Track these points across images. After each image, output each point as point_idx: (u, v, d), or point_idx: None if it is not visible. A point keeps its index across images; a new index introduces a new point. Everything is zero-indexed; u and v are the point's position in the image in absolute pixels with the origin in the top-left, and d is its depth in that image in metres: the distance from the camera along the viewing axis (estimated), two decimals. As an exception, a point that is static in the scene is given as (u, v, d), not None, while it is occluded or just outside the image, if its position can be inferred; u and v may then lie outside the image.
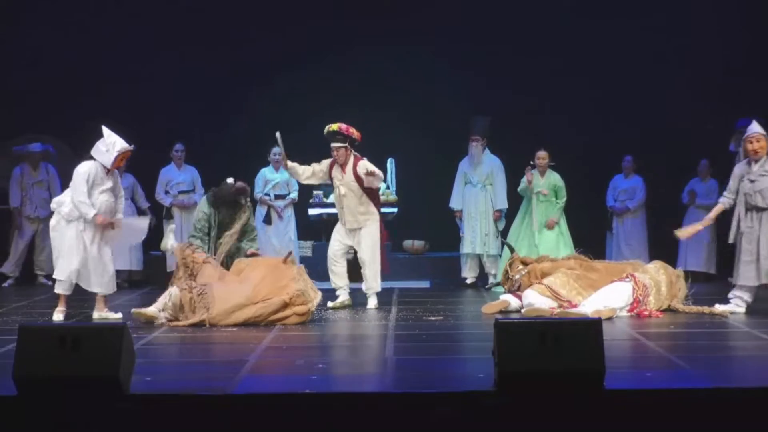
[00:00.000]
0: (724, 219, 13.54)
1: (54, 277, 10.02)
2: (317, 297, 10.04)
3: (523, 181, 12.68)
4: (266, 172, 13.57)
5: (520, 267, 10.99)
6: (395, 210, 14.08)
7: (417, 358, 7.99)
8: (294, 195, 13.53)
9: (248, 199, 11.40)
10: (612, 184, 14.24)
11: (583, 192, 14.19)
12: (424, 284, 13.44)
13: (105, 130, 10.04)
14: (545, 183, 12.67)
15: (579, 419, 6.19)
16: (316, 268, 11.50)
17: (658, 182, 14.09)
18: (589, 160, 14.35)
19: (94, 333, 6.29)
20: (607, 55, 14.45)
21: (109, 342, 6.20)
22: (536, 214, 12.59)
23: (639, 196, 14.03)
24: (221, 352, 8.60)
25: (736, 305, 10.28)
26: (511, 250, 11.52)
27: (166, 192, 13.74)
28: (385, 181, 14.14)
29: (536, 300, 10.25)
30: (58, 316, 10.06)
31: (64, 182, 13.48)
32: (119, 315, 10.18)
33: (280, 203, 13.42)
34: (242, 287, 9.84)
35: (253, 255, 11.01)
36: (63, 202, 9.99)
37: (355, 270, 12.37)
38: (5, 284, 13.72)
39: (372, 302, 10.99)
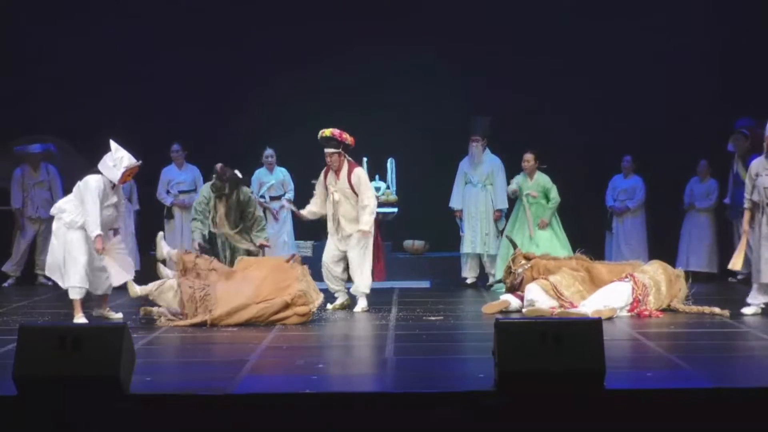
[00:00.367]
0: (725, 218, 13.63)
1: (67, 285, 9.89)
2: (319, 298, 10.04)
3: (514, 182, 12.71)
4: (261, 174, 13.57)
5: (523, 262, 10.98)
6: (395, 210, 14.07)
7: (417, 358, 7.99)
8: (290, 195, 13.53)
9: (247, 191, 11.34)
10: (611, 184, 14.24)
11: (583, 192, 14.20)
12: (424, 284, 13.44)
13: (113, 144, 10.00)
14: (534, 185, 12.63)
15: (579, 419, 6.19)
16: (317, 268, 11.48)
17: (657, 182, 14.09)
18: (589, 160, 14.34)
19: (95, 333, 6.30)
20: (607, 55, 14.43)
21: (110, 342, 6.21)
22: (529, 216, 12.56)
23: (639, 196, 14.03)
24: (221, 352, 8.60)
25: (759, 307, 10.21)
26: (514, 245, 11.52)
27: (168, 192, 13.75)
28: (385, 180, 14.18)
29: (538, 297, 10.24)
30: (82, 320, 9.86)
31: (66, 182, 13.52)
32: (120, 315, 10.15)
33: (275, 205, 13.41)
34: (244, 287, 9.84)
35: (263, 247, 11.07)
36: (65, 210, 9.92)
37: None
38: (6, 284, 13.72)
39: (361, 305, 10.89)
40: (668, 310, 10.47)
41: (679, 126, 14.21)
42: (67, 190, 13.53)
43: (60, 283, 10.02)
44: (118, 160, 9.91)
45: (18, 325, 6.50)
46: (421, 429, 6.22)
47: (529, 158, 12.67)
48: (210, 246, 11.15)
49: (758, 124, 10.48)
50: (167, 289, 9.85)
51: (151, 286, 9.96)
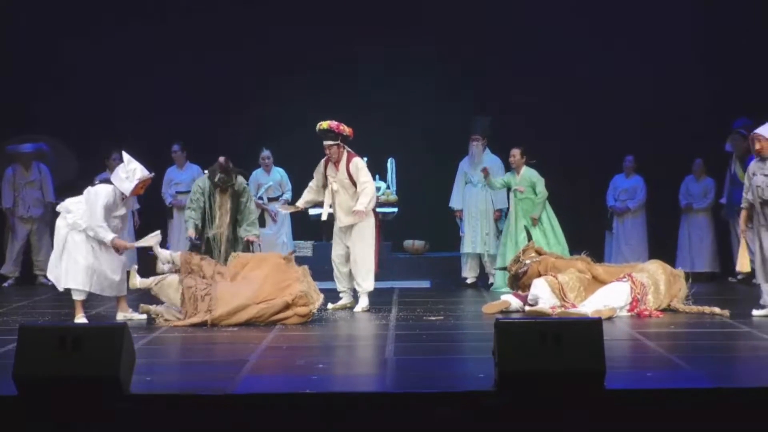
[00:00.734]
0: (721, 217, 13.64)
1: (70, 287, 9.88)
2: (319, 299, 10.03)
3: (502, 178, 12.72)
4: (258, 175, 13.57)
5: (533, 255, 10.98)
6: (395, 210, 14.08)
7: (417, 358, 7.99)
8: (287, 196, 13.53)
9: (243, 182, 11.35)
10: (613, 183, 14.24)
11: (584, 192, 14.22)
12: (425, 284, 13.44)
13: (125, 156, 10.01)
14: (521, 180, 12.62)
15: (579, 419, 6.19)
16: (317, 268, 11.47)
17: (658, 182, 14.10)
18: (590, 160, 14.35)
19: (95, 333, 6.30)
20: (607, 54, 14.44)
21: (110, 342, 6.21)
22: (518, 212, 12.55)
23: (639, 196, 14.03)
24: (222, 352, 8.60)
25: None
26: (529, 237, 11.52)
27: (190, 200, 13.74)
28: (385, 180, 14.18)
29: (543, 294, 10.24)
30: (82, 320, 9.85)
31: (58, 180, 13.56)
32: (144, 316, 10.10)
33: (273, 206, 13.42)
34: (245, 288, 9.84)
35: (250, 242, 11.06)
36: (70, 210, 9.89)
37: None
38: (5, 284, 13.72)
39: (362, 303, 10.89)
40: (668, 310, 10.47)
41: (679, 126, 14.21)
42: (58, 189, 13.65)
43: (57, 285, 10.00)
44: (131, 172, 9.92)
45: (18, 325, 6.50)
46: (422, 429, 6.22)
47: (515, 153, 12.64)
48: (200, 242, 11.14)
49: (756, 124, 10.48)
50: (169, 284, 9.85)
51: (152, 280, 9.96)
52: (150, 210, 13.94)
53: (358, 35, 14.56)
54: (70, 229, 9.83)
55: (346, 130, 10.93)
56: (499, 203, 13.26)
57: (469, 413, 6.22)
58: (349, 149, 11.04)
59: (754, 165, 10.22)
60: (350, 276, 11.05)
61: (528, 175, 12.58)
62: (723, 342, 8.88)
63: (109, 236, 9.76)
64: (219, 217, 11.16)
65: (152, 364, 7.64)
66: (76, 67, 14.39)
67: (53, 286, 10.30)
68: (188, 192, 13.56)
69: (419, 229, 14.48)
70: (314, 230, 14.03)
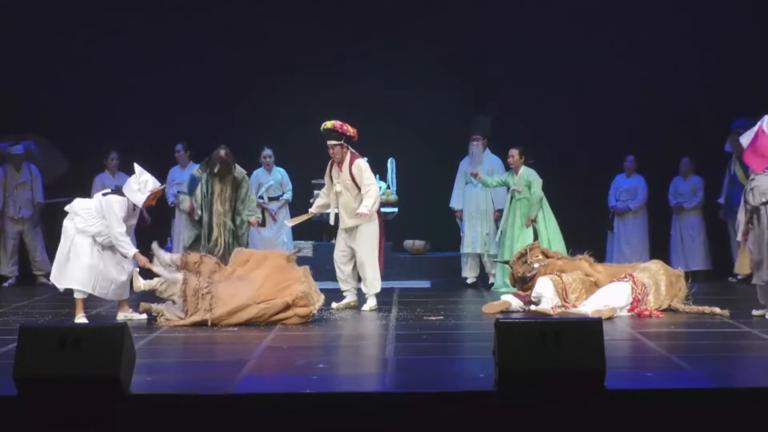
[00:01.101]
0: (719, 217, 13.66)
1: (72, 287, 9.88)
2: (320, 300, 10.03)
3: (501, 176, 12.71)
4: (259, 175, 13.56)
5: (540, 257, 10.94)
6: (396, 210, 14.08)
7: (417, 358, 7.99)
8: (288, 196, 13.53)
9: (242, 172, 11.37)
10: (614, 183, 14.25)
11: (585, 192, 14.22)
12: (425, 284, 13.44)
13: (137, 167, 10.06)
14: (519, 180, 12.61)
15: (579, 419, 6.19)
16: (317, 268, 11.48)
17: (658, 182, 14.10)
18: (591, 160, 14.35)
19: (95, 333, 6.30)
20: (607, 54, 14.45)
21: (110, 342, 6.21)
22: (515, 212, 12.56)
23: (640, 196, 14.04)
24: (222, 352, 8.61)
25: None
26: (536, 236, 11.51)
27: (179, 191, 13.77)
28: (385, 180, 14.18)
29: (546, 292, 10.24)
30: (82, 320, 9.85)
31: (45, 179, 13.58)
32: (144, 316, 10.12)
33: (273, 206, 13.42)
34: (246, 287, 9.84)
35: (255, 222, 11.22)
36: (78, 214, 9.89)
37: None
38: (5, 284, 13.72)
39: (370, 303, 10.91)
40: (668, 310, 10.48)
41: (679, 126, 14.22)
42: (47, 187, 13.66)
43: (57, 285, 10.00)
44: (143, 183, 9.97)
45: (18, 325, 6.50)
46: (422, 429, 6.22)
47: (514, 153, 12.63)
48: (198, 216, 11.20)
49: (755, 125, 10.49)
50: (173, 284, 9.85)
51: (156, 282, 9.95)
52: (150, 210, 13.91)
53: (358, 35, 14.56)
54: (77, 232, 9.85)
55: (350, 130, 10.92)
56: (499, 203, 13.25)
57: (470, 413, 6.22)
58: (353, 150, 11.04)
59: None
60: (353, 275, 11.06)
61: (526, 175, 12.57)
62: (723, 342, 8.88)
63: (131, 251, 9.86)
64: (219, 204, 11.18)
65: (153, 364, 7.65)
66: (77, 67, 14.40)
67: (53, 287, 10.30)
68: (190, 192, 13.64)
69: (419, 229, 14.48)
70: (314, 230, 14.04)
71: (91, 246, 9.83)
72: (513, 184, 12.61)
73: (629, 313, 10.16)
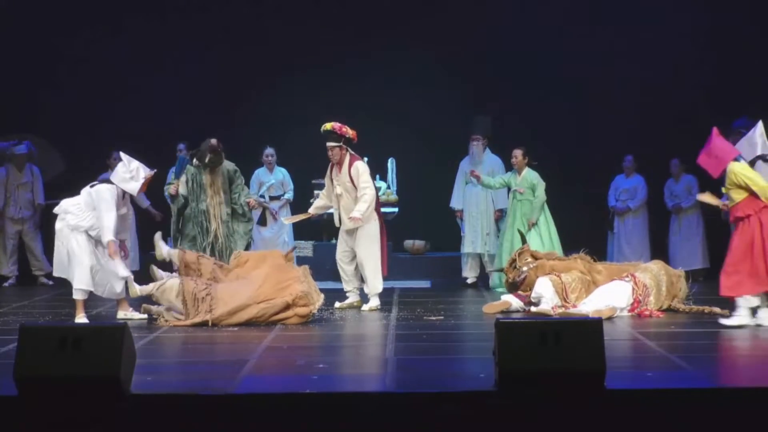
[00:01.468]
0: (715, 214, 13.65)
1: (75, 286, 9.87)
2: (320, 299, 10.04)
3: (503, 177, 12.70)
4: (261, 174, 13.57)
5: (529, 260, 10.95)
6: (396, 210, 14.08)
7: (418, 358, 7.99)
8: (289, 195, 13.53)
9: (231, 164, 11.37)
10: (613, 184, 14.25)
11: (585, 192, 14.22)
12: (425, 284, 13.44)
13: (124, 156, 10.04)
14: (522, 182, 12.60)
15: (580, 419, 6.19)
16: (317, 268, 11.49)
17: (658, 182, 14.10)
18: (590, 160, 14.35)
19: (95, 333, 6.30)
20: (607, 54, 14.45)
21: (110, 342, 6.21)
22: (516, 213, 12.56)
23: (640, 196, 14.04)
24: (222, 352, 8.61)
25: None
26: (523, 239, 11.51)
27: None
28: (385, 180, 14.19)
29: (546, 293, 10.25)
30: (83, 320, 9.84)
31: (44, 178, 13.57)
32: (144, 315, 10.12)
33: (274, 205, 13.42)
34: (246, 287, 9.84)
35: (250, 205, 11.23)
36: (69, 212, 9.90)
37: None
38: (6, 284, 13.72)
39: (372, 303, 10.94)
40: (669, 310, 10.48)
41: (679, 126, 14.22)
42: (47, 186, 13.64)
43: (72, 281, 10.01)
44: (134, 171, 9.95)
45: (18, 325, 6.50)
46: (422, 429, 6.22)
47: (517, 154, 12.61)
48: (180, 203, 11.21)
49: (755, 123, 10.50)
50: (169, 288, 9.85)
51: (152, 286, 9.96)
52: (156, 207, 13.94)
53: (358, 35, 14.56)
54: (72, 230, 9.84)
55: (349, 132, 10.94)
56: (499, 203, 13.25)
57: (470, 413, 6.22)
58: (353, 152, 11.05)
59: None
60: (355, 274, 11.07)
61: (529, 176, 12.56)
62: (723, 342, 8.88)
63: (108, 236, 9.75)
64: (211, 196, 11.17)
65: (153, 363, 7.65)
66: (77, 67, 14.41)
67: (53, 286, 10.32)
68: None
69: (420, 229, 14.49)
70: (315, 230, 14.05)
71: (87, 244, 9.82)
72: (515, 185, 12.60)
73: (629, 314, 10.16)
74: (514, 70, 14.50)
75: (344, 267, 11.09)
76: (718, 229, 13.68)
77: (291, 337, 9.07)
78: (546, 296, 10.26)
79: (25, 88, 14.31)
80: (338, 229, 11.21)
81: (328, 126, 10.92)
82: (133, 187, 9.96)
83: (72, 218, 9.85)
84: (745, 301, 9.30)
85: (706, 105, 14.10)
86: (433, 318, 10.19)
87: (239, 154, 12.69)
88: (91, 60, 14.46)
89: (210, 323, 9.61)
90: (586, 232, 13.19)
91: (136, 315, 10.11)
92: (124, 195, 10.00)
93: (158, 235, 10.49)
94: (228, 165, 11.28)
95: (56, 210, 10.06)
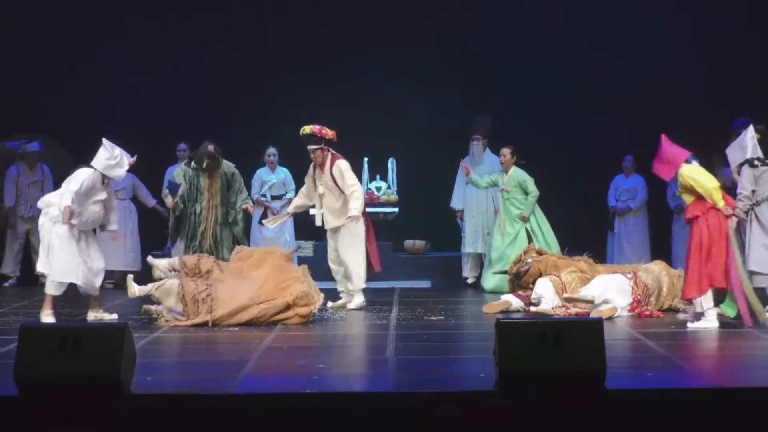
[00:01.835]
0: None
1: (51, 278, 9.89)
2: (320, 299, 10.06)
3: (490, 177, 12.70)
4: (262, 174, 13.56)
5: (534, 255, 11.01)
6: (396, 210, 14.08)
7: (418, 358, 8.00)
8: (291, 195, 13.52)
9: (231, 166, 11.37)
10: (613, 184, 14.24)
11: (585, 192, 14.21)
12: (425, 284, 13.43)
13: (107, 142, 10.04)
14: (509, 180, 12.61)
15: (580, 419, 6.19)
16: (317, 268, 11.49)
17: (659, 182, 14.08)
18: (591, 160, 14.35)
19: (95, 333, 6.30)
20: (607, 54, 14.44)
21: (110, 342, 6.21)
22: (504, 212, 12.57)
23: (640, 196, 14.03)
24: (222, 352, 8.61)
25: None
26: (530, 238, 11.52)
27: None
28: (386, 180, 14.19)
29: (546, 293, 10.28)
30: (49, 319, 9.89)
31: (55, 177, 13.56)
32: (114, 316, 10.15)
33: (276, 204, 13.41)
34: (246, 288, 9.84)
35: (247, 211, 11.27)
36: (52, 204, 9.92)
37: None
38: (6, 284, 13.72)
39: (357, 301, 10.96)
40: (669, 310, 10.48)
41: (679, 126, 14.20)
42: (56, 186, 13.61)
43: (45, 273, 10.01)
44: (118, 157, 9.98)
45: (19, 325, 6.50)
46: (423, 429, 6.22)
47: (506, 153, 12.63)
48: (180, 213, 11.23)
49: (757, 131, 10.53)
50: (169, 288, 9.85)
51: (151, 287, 9.96)
52: (150, 210, 13.93)
53: (358, 35, 14.56)
54: (54, 222, 9.84)
55: (329, 133, 11.04)
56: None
57: (470, 413, 6.22)
58: (334, 152, 11.13)
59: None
60: (345, 276, 11.11)
61: (516, 175, 12.57)
62: (723, 342, 8.88)
63: (66, 203, 9.73)
64: (207, 199, 11.20)
65: (153, 364, 7.65)
66: (77, 67, 14.40)
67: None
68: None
69: (420, 228, 14.49)
70: (315, 230, 14.02)
71: (68, 236, 9.82)
72: (502, 184, 12.61)
73: (629, 314, 10.16)
74: (514, 70, 14.50)
75: (335, 268, 11.15)
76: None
77: (291, 337, 9.07)
78: (546, 296, 10.28)
79: (25, 88, 14.30)
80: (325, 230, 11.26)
81: (307, 129, 11.02)
82: (119, 173, 10.00)
83: (54, 210, 9.87)
84: (706, 302, 9.39)
85: (706, 105, 14.11)
86: (434, 318, 10.19)
87: (239, 154, 12.70)
88: (91, 60, 14.45)
89: (210, 324, 9.61)
90: (585, 232, 13.18)
91: (107, 316, 10.12)
92: (104, 180, 10.00)
93: (150, 258, 10.50)
94: (226, 167, 11.30)
95: (39, 204, 10.08)
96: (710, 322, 9.36)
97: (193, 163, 11.28)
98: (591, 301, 10.05)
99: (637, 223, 14.12)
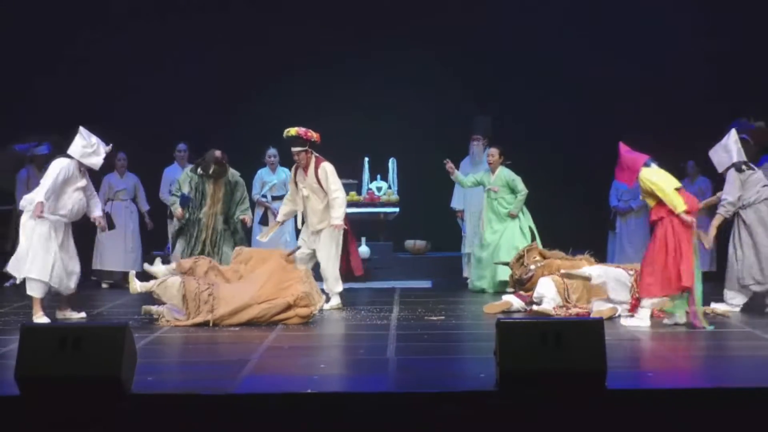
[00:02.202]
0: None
1: (25, 275, 9.85)
2: (321, 300, 10.07)
3: (475, 176, 12.70)
4: (263, 174, 13.57)
5: (537, 258, 11.00)
6: (397, 210, 14.09)
7: (419, 358, 8.00)
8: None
9: (236, 174, 11.37)
10: (614, 183, 14.22)
11: (585, 191, 14.22)
12: (426, 284, 13.44)
13: (83, 130, 10.06)
14: (495, 180, 12.61)
15: (580, 419, 6.20)
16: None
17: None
18: (591, 160, 14.35)
19: (96, 333, 6.30)
20: (607, 54, 14.46)
21: (111, 342, 6.21)
22: (486, 211, 12.58)
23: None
24: (223, 351, 8.61)
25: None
26: (533, 237, 11.53)
27: (171, 192, 13.71)
28: (386, 180, 14.20)
29: (548, 293, 10.28)
30: (42, 320, 9.84)
31: None
32: (83, 314, 10.16)
33: (276, 205, 13.42)
34: (247, 288, 9.85)
35: (245, 222, 11.31)
36: (33, 201, 9.94)
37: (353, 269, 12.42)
38: (7, 284, 13.72)
39: (334, 302, 10.97)
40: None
41: (681, 126, 14.23)
42: None
43: (16, 276, 10.01)
44: (95, 146, 10.02)
45: (19, 325, 6.51)
46: (423, 429, 6.23)
47: (494, 153, 12.63)
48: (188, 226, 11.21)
49: (756, 128, 10.55)
50: (171, 285, 9.85)
51: (153, 284, 9.97)
52: (150, 210, 13.93)
53: (358, 35, 14.57)
54: (36, 223, 9.82)
55: (313, 136, 11.09)
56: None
57: (471, 413, 6.22)
58: (317, 154, 11.14)
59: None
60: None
61: (504, 174, 12.57)
62: (723, 342, 8.89)
63: (40, 197, 9.75)
64: (210, 206, 11.21)
65: (154, 363, 7.65)
66: (77, 67, 14.41)
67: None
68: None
69: (420, 229, 14.50)
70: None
71: (49, 234, 9.81)
72: (489, 184, 12.61)
73: (629, 313, 10.16)
74: (515, 70, 14.51)
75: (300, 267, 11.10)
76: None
77: (292, 337, 9.08)
78: (548, 296, 10.28)
79: (25, 88, 14.31)
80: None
81: (292, 131, 11.06)
82: (96, 161, 10.01)
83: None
84: (650, 303, 9.45)
85: (706, 105, 14.11)
86: (434, 318, 10.19)
87: (239, 154, 12.71)
88: (91, 60, 14.46)
89: (211, 323, 9.62)
90: (586, 232, 13.19)
91: (75, 315, 10.11)
92: (81, 168, 10.00)
93: (146, 266, 10.50)
94: (231, 175, 11.32)
95: (22, 203, 10.07)
96: (644, 321, 9.45)
97: (199, 170, 11.29)
98: (588, 278, 10.08)
99: (638, 223, 14.12)
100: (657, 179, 9.48)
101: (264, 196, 13.40)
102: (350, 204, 13.89)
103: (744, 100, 13.17)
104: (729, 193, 10.31)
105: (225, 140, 14.17)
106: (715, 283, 13.32)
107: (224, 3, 14.93)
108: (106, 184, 13.53)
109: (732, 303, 10.42)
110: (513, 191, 12.54)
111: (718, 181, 13.63)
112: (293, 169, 11.32)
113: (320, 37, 14.62)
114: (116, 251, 13.45)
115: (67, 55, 14.48)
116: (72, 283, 10.00)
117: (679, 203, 9.34)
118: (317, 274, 10.96)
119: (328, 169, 11.10)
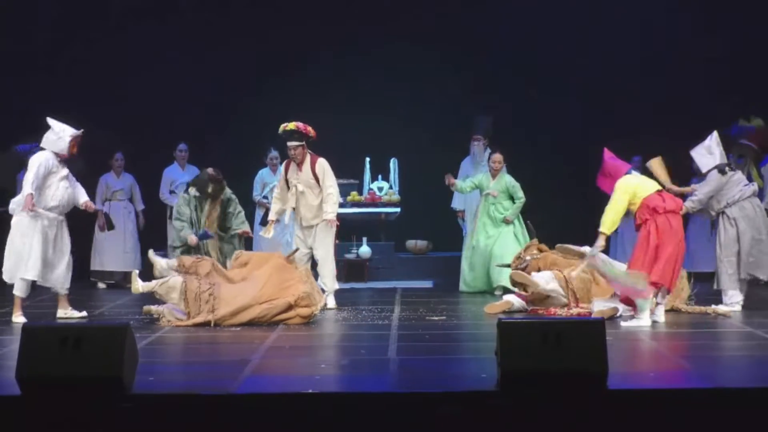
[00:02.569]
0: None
1: (22, 277, 9.86)
2: (322, 300, 10.07)
3: (474, 179, 12.70)
4: (264, 175, 13.56)
5: (535, 252, 11.03)
6: (398, 210, 14.10)
7: (420, 358, 8.00)
8: (292, 197, 13.52)
9: (229, 190, 11.36)
10: (614, 183, 14.23)
11: (585, 191, 14.20)
12: (427, 284, 13.45)
13: (51, 120, 10.08)
14: (495, 185, 12.57)
15: (581, 419, 6.20)
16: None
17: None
18: (594, 160, 14.33)
19: (97, 333, 6.30)
20: (607, 54, 14.46)
21: (112, 342, 6.21)
22: (481, 215, 12.57)
23: (643, 196, 14.02)
24: (224, 351, 8.61)
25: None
26: (531, 234, 11.54)
27: (171, 192, 13.72)
28: (387, 181, 14.20)
29: (550, 282, 10.28)
30: (20, 319, 9.79)
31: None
32: (84, 313, 10.14)
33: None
34: (248, 288, 9.85)
35: (245, 233, 11.28)
36: (21, 203, 9.94)
37: (354, 269, 12.40)
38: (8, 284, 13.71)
39: (330, 302, 10.94)
40: (671, 310, 10.47)
41: (683, 126, 14.21)
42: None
43: (5, 278, 10.00)
44: (61, 132, 10.03)
45: (20, 324, 6.50)
46: (424, 429, 6.23)
47: (500, 159, 12.58)
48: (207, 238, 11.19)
49: (757, 130, 10.58)
50: (172, 285, 9.85)
51: (154, 283, 9.96)
52: (151, 210, 13.93)
53: (360, 36, 14.57)
54: (27, 219, 9.82)
55: (311, 131, 11.10)
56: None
57: (472, 413, 6.22)
58: (311, 151, 11.12)
59: None
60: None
61: (506, 180, 12.53)
62: (724, 342, 8.89)
63: (27, 190, 9.79)
64: (207, 225, 11.17)
65: (155, 363, 7.65)
66: (77, 67, 14.40)
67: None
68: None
69: (422, 229, 14.50)
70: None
71: (38, 232, 9.81)
72: (487, 188, 12.58)
73: (630, 313, 10.16)
74: (515, 69, 14.51)
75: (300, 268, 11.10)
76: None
77: (293, 337, 9.08)
78: (549, 283, 10.29)
79: (25, 88, 14.30)
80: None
81: (291, 125, 11.05)
82: (61, 146, 9.99)
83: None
84: (644, 302, 9.47)
85: (706, 105, 14.11)
86: (435, 318, 10.19)
87: (239, 154, 12.74)
88: (91, 60, 14.46)
89: (212, 323, 9.62)
90: (586, 232, 13.15)
91: (76, 314, 10.11)
92: (60, 158, 10.03)
93: (151, 252, 10.47)
94: (225, 194, 11.26)
95: (11, 206, 10.05)
96: (644, 321, 9.49)
97: (195, 191, 11.22)
98: (583, 254, 10.12)
99: (639, 223, 14.11)
100: (617, 194, 9.65)
101: (265, 197, 13.40)
102: (351, 204, 13.92)
103: (744, 100, 13.17)
104: (702, 191, 10.46)
105: (225, 140, 14.22)
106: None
107: (224, 3, 14.93)
108: (103, 184, 13.52)
109: (732, 302, 10.41)
110: (511, 198, 12.53)
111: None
112: (285, 165, 11.29)
113: (320, 36, 14.62)
114: (115, 251, 13.45)
115: (67, 55, 14.48)
116: (57, 278, 9.96)
117: (603, 222, 9.70)
118: (317, 274, 10.97)
119: (325, 165, 11.10)
